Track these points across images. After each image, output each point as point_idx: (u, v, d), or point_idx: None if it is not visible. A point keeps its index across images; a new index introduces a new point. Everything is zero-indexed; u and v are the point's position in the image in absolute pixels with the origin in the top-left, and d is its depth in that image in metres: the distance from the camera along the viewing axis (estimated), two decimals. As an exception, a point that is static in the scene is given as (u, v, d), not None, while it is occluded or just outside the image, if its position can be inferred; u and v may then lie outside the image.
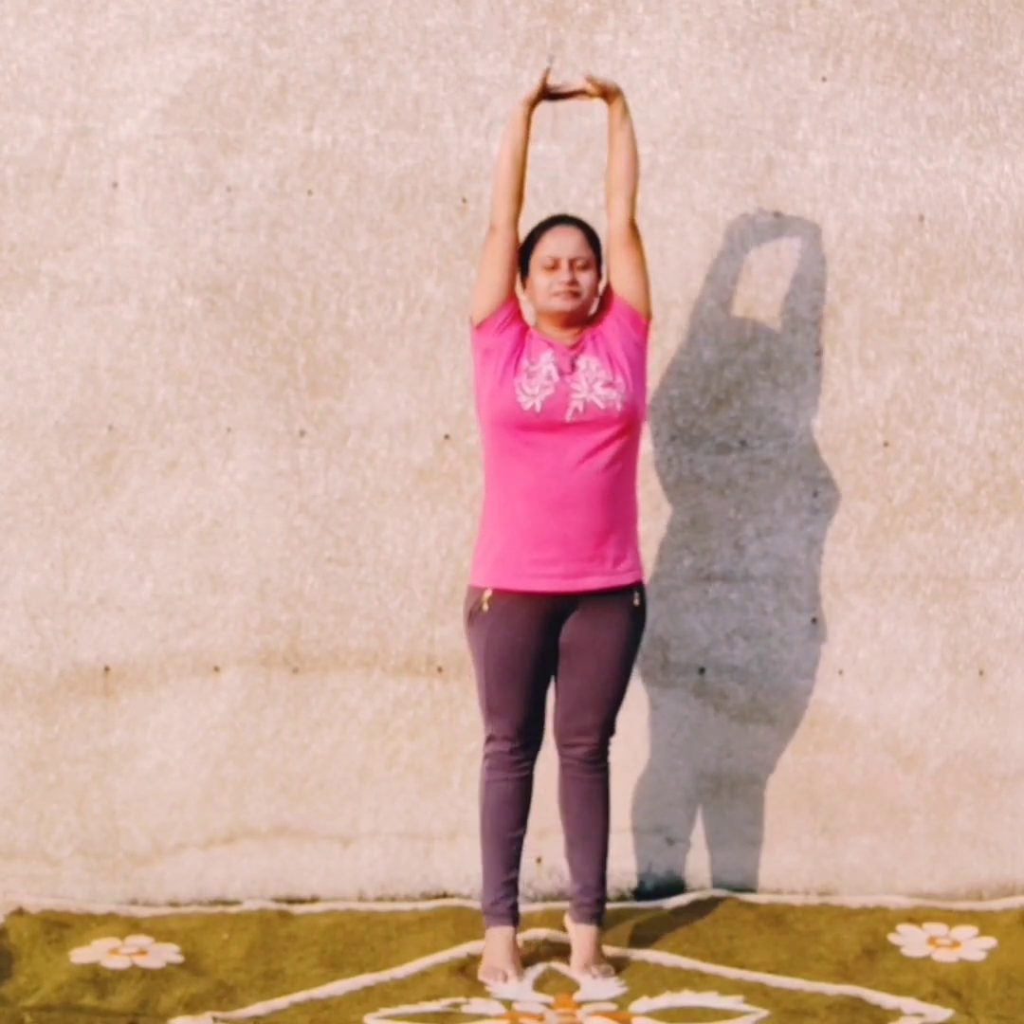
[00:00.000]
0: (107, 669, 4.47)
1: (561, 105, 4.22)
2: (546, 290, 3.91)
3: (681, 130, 4.44)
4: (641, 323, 3.97)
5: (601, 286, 3.99)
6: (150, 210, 4.42)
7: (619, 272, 3.98)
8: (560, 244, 3.92)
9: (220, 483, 4.46)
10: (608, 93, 3.97)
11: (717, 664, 4.52)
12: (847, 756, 4.53)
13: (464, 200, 4.43)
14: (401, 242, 4.44)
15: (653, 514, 4.47)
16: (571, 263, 3.90)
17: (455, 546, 4.46)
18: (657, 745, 4.52)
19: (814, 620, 4.52)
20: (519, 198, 3.94)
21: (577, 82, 3.99)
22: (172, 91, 4.41)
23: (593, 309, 3.99)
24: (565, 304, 3.90)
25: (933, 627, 4.52)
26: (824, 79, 4.45)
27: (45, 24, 4.40)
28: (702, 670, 4.52)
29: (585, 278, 3.92)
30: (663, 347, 4.44)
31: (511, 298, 3.95)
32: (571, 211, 4.36)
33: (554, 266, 3.91)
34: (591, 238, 3.96)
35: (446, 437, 4.46)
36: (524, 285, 3.99)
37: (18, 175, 4.41)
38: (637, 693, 4.44)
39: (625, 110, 3.98)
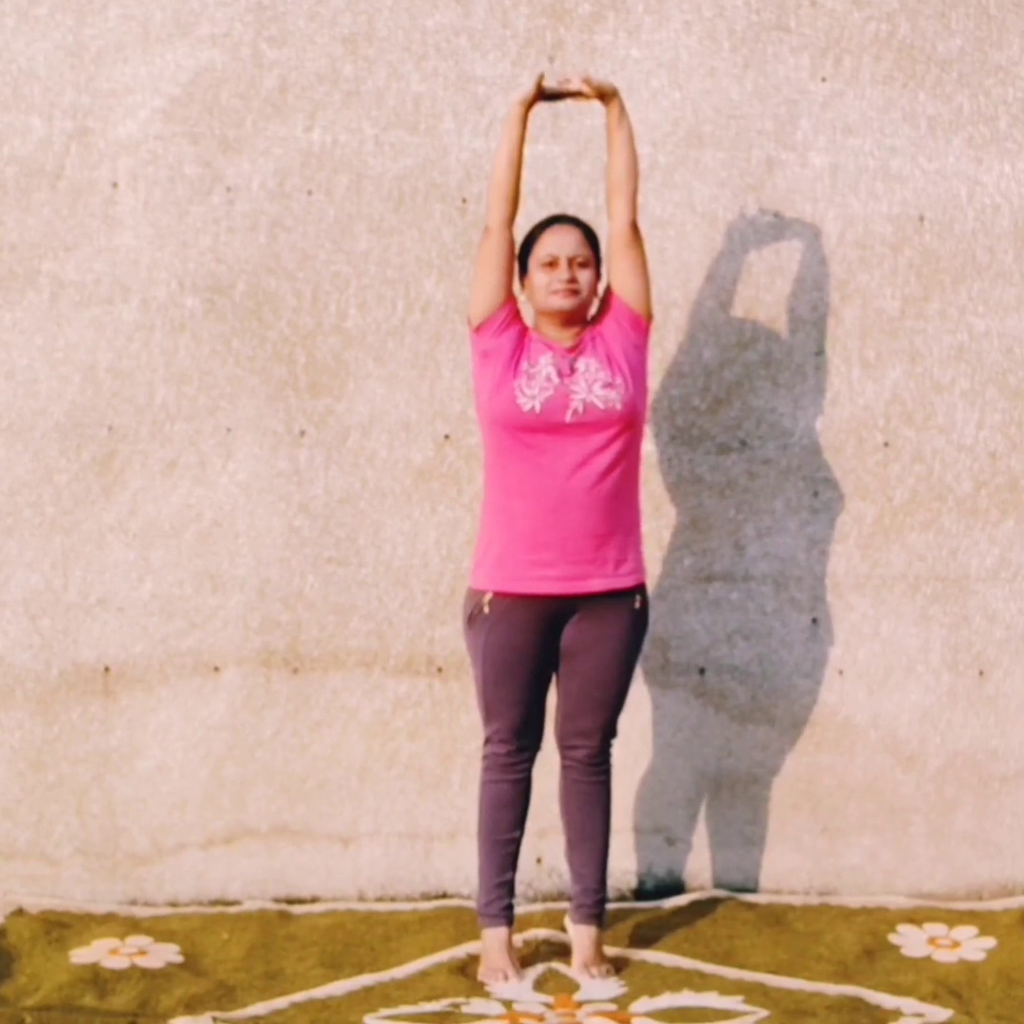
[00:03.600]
0: (107, 669, 4.47)
1: (561, 105, 4.22)
2: (545, 288, 3.91)
3: (681, 130, 4.44)
4: (641, 325, 3.97)
5: (601, 286, 3.99)
6: (150, 210, 4.42)
7: (620, 273, 3.97)
8: (559, 242, 3.92)
9: (220, 483, 4.46)
10: (605, 94, 3.96)
11: (717, 664, 4.52)
12: (847, 756, 4.53)
13: (464, 200, 4.43)
14: (401, 242, 4.44)
15: (653, 514, 4.46)
16: (570, 261, 3.90)
17: (455, 546, 4.46)
18: (657, 745, 4.52)
19: (814, 620, 4.52)
20: (515, 200, 3.94)
21: (574, 83, 3.97)
22: (172, 91, 4.41)
23: (593, 309, 3.99)
24: (564, 302, 3.90)
25: (933, 627, 4.52)
26: (824, 79, 4.45)
27: (45, 24, 4.40)
28: (702, 670, 4.52)
29: (584, 276, 3.92)
30: (663, 347, 4.44)
31: (509, 299, 3.94)
32: (571, 211, 4.36)
33: (553, 264, 3.90)
34: (590, 237, 3.96)
35: (446, 437, 4.46)
36: (523, 285, 3.99)
37: (18, 175, 4.41)
38: (637, 693, 4.43)
39: (622, 111, 3.97)
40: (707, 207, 4.45)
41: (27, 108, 4.41)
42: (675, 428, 4.49)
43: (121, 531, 4.45)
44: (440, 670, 4.49)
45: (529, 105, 3.95)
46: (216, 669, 4.48)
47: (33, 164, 4.41)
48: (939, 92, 4.46)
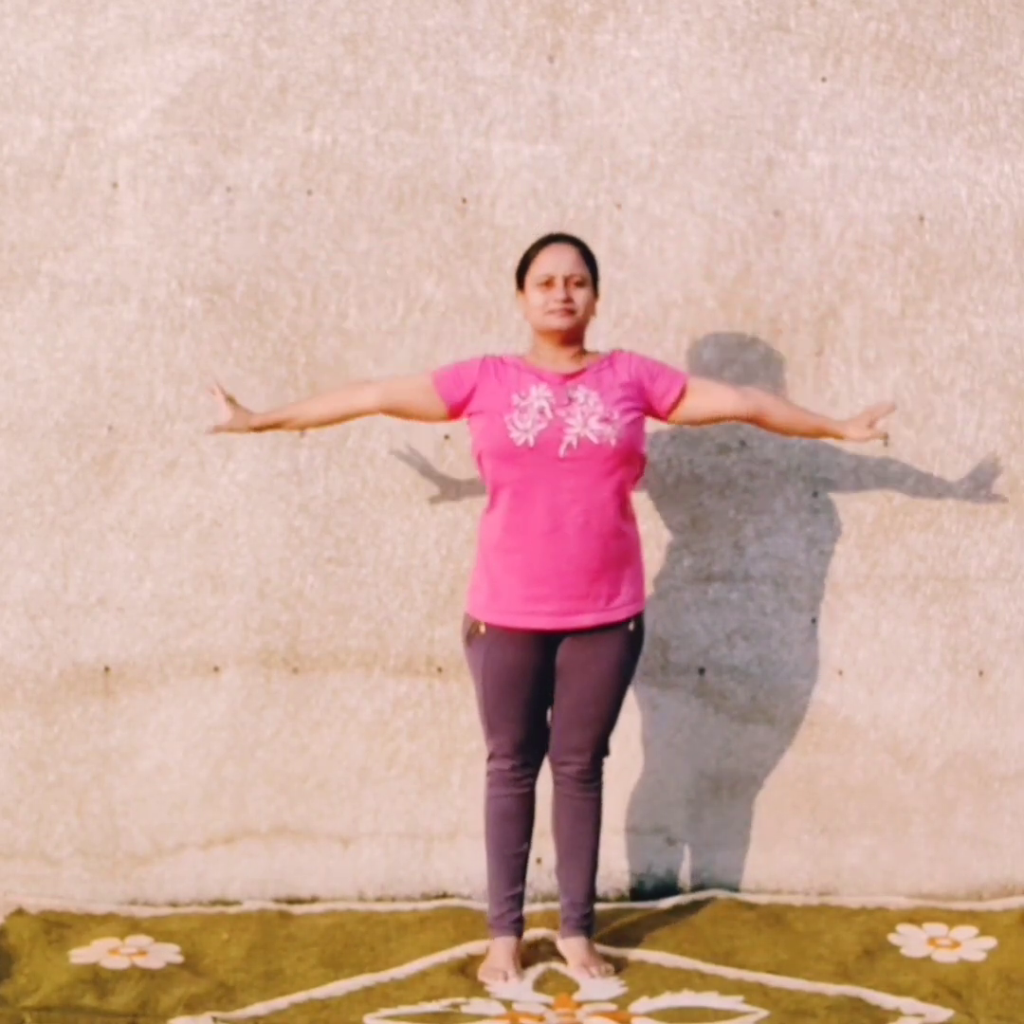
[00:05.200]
0: (107, 669, 4.47)
1: (562, 105, 4.24)
2: (541, 308, 3.89)
3: (681, 130, 4.44)
4: (653, 414, 3.97)
5: (598, 305, 3.98)
6: (150, 210, 4.42)
7: (696, 405, 3.98)
8: (555, 261, 3.90)
9: (220, 483, 4.46)
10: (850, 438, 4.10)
11: (717, 664, 4.52)
12: (847, 756, 4.53)
13: (464, 200, 4.43)
14: (401, 242, 4.44)
15: (653, 514, 4.46)
16: (566, 280, 3.88)
17: (455, 546, 4.46)
18: (657, 745, 4.52)
19: (814, 620, 4.52)
20: (354, 400, 4.05)
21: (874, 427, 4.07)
22: (172, 91, 4.41)
23: (589, 326, 3.96)
24: (561, 322, 3.88)
25: (933, 627, 4.52)
26: (824, 79, 4.45)
27: (45, 24, 4.40)
28: (702, 670, 4.52)
29: (580, 295, 3.90)
30: (663, 347, 4.44)
31: (441, 393, 3.95)
32: (571, 211, 4.38)
33: (549, 283, 3.88)
34: (586, 255, 3.94)
35: (446, 437, 4.46)
36: (520, 302, 3.98)
37: (18, 175, 4.41)
38: (637, 694, 4.44)
39: (831, 435, 4.12)
40: (707, 207, 4.45)
41: (27, 108, 4.41)
42: (675, 428, 4.49)
43: (121, 531, 4.46)
44: (440, 670, 4.49)
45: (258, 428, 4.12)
46: (216, 669, 4.48)
47: (33, 164, 4.41)
48: (939, 92, 4.46)
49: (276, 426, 4.13)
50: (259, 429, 4.13)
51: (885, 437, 4.10)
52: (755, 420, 4.06)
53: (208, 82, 4.41)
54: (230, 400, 4.10)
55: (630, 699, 4.38)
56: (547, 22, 4.43)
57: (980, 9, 4.46)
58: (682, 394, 3.97)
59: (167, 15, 4.40)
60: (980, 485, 4.51)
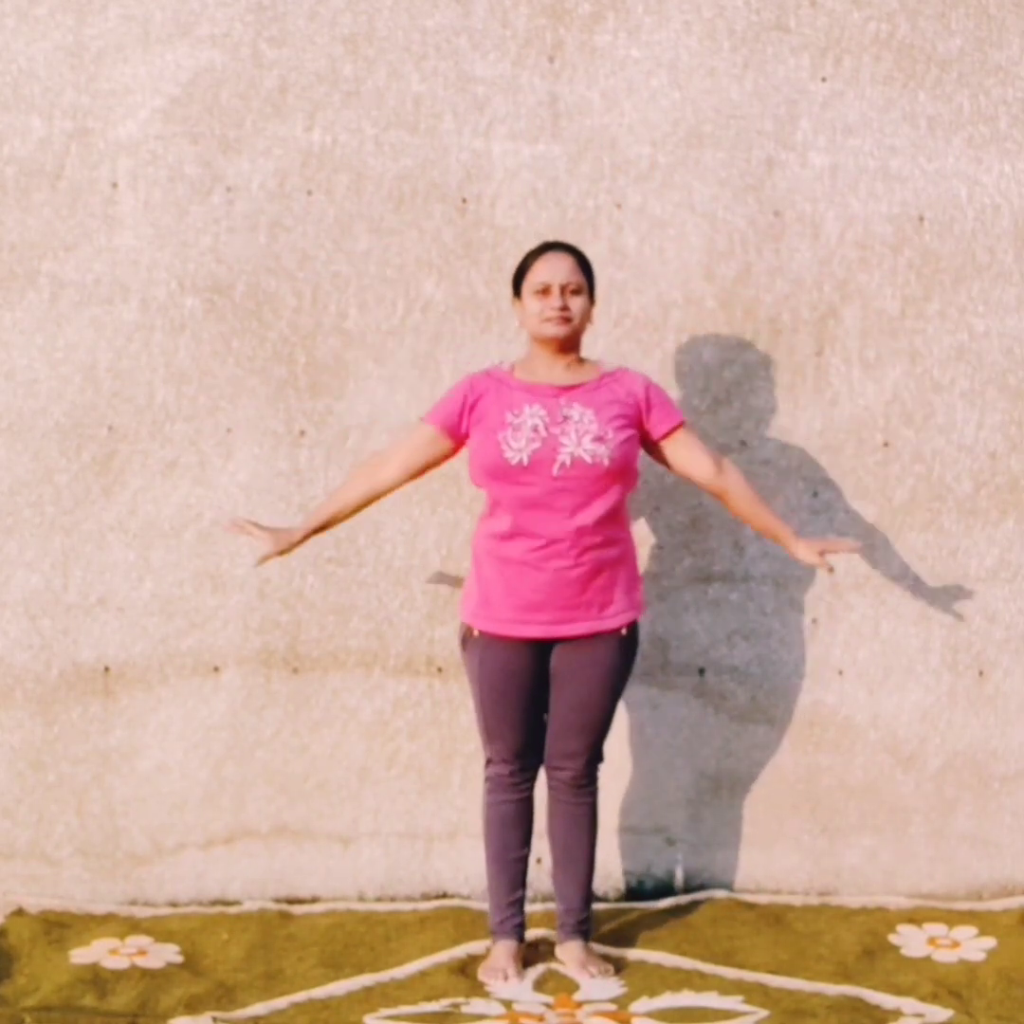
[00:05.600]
0: (107, 669, 4.47)
1: (562, 105, 4.23)
2: (538, 316, 3.89)
3: (681, 130, 4.44)
4: (645, 439, 3.95)
5: (596, 309, 3.98)
6: (150, 210, 4.42)
7: (682, 456, 3.96)
8: (551, 270, 3.90)
9: (220, 483, 4.46)
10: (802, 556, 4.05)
11: (717, 664, 4.52)
12: (847, 756, 4.53)
13: (464, 200, 4.43)
14: (401, 242, 4.44)
15: (653, 514, 4.46)
16: (563, 289, 3.88)
17: (455, 546, 4.46)
18: (657, 745, 4.52)
19: (814, 620, 4.52)
20: (378, 479, 4.02)
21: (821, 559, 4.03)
22: (172, 91, 4.41)
23: (585, 333, 3.96)
24: (558, 330, 3.88)
25: (933, 627, 4.52)
26: (824, 79, 4.45)
27: (45, 24, 4.40)
28: (702, 670, 4.52)
29: (577, 303, 3.90)
30: (663, 347, 4.44)
31: (444, 430, 3.94)
32: (571, 211, 4.37)
33: (545, 292, 3.88)
34: (583, 263, 3.94)
35: (446, 437, 4.45)
36: (516, 309, 3.98)
37: (18, 175, 4.41)
38: (637, 694, 4.44)
39: (780, 544, 4.08)
40: (707, 207, 4.45)
41: (27, 108, 4.41)
42: (675, 428, 4.49)
43: (121, 531, 4.45)
44: (440, 670, 4.49)
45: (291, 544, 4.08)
46: (216, 669, 4.48)
47: (33, 164, 4.41)
48: (939, 92, 4.46)
49: (318, 532, 4.09)
50: (302, 543, 4.08)
51: (830, 570, 4.07)
52: (720, 497, 4.04)
53: (208, 82, 4.41)
54: (258, 527, 4.07)
55: (630, 699, 4.38)
56: (547, 22, 4.43)
57: (980, 9, 4.46)
58: (669, 434, 3.95)
59: (167, 15, 4.40)
60: (980, 485, 4.51)
